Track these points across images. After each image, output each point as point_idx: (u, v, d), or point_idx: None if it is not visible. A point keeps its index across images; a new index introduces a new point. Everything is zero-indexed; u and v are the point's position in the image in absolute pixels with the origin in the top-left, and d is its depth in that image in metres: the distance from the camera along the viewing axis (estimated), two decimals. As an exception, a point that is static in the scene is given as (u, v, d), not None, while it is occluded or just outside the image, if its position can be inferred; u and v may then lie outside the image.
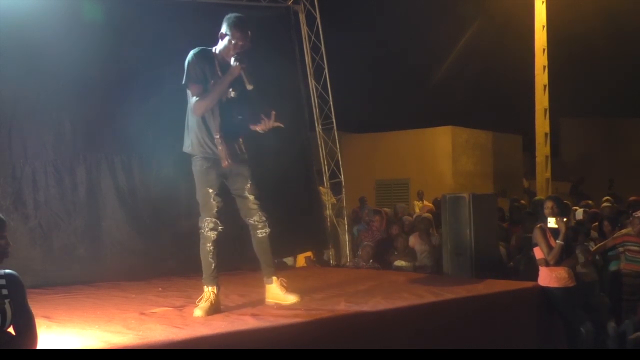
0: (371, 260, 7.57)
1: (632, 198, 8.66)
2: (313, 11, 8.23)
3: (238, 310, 4.48)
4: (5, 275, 2.88)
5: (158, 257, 6.62)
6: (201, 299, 4.42)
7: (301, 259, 8.52)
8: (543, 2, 13.56)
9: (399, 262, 7.68)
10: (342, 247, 8.59)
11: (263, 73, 5.41)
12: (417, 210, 12.43)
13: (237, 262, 7.23)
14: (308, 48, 8.35)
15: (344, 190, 8.62)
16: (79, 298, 5.22)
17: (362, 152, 16.91)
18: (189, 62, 4.43)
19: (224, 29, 4.47)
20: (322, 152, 8.52)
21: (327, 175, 8.55)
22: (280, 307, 4.55)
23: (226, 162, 4.40)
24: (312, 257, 8.41)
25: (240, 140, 4.63)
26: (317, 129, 8.46)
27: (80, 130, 6.45)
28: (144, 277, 6.20)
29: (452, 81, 21.53)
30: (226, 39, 4.44)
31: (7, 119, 6.05)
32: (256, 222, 4.60)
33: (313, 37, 8.31)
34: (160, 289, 5.66)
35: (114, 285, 5.80)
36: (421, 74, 22.32)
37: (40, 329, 3.06)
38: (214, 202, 4.45)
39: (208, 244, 4.46)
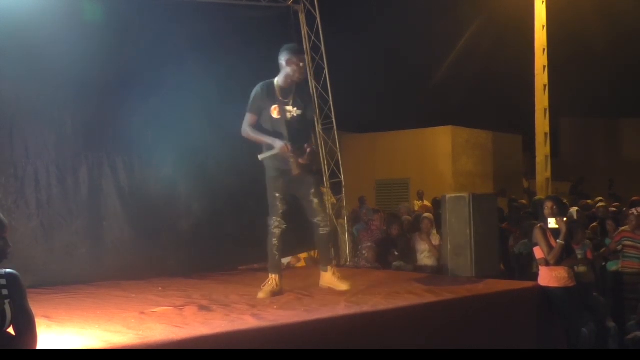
0: (371, 260, 7.56)
1: (634, 198, 8.66)
2: (313, 11, 8.22)
3: (238, 310, 4.48)
4: (6, 275, 2.86)
5: (158, 257, 6.63)
6: (265, 284, 5.18)
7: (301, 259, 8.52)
8: (543, 2, 13.56)
9: (399, 262, 7.68)
10: (342, 247, 8.59)
11: (263, 73, 5.45)
12: (416, 210, 12.40)
13: (237, 262, 7.26)
14: (308, 48, 8.34)
15: (344, 190, 8.61)
16: (79, 298, 5.22)
17: (362, 152, 16.91)
18: (252, 95, 5.19)
19: (281, 59, 5.16)
20: (322, 152, 8.51)
21: (327, 175, 8.54)
22: (331, 292, 5.21)
23: (297, 171, 5.04)
24: (305, 257, 8.41)
25: (307, 151, 5.11)
26: (317, 129, 8.45)
27: (82, 130, 6.46)
28: (144, 277, 6.21)
29: (452, 81, 21.52)
30: (285, 69, 5.15)
31: (9, 119, 6.05)
32: (319, 222, 5.29)
33: (313, 37, 8.30)
34: (160, 288, 5.66)
35: (114, 285, 5.81)
36: (421, 74, 22.31)
37: (40, 329, 3.06)
38: (279, 204, 5.15)
39: (274, 239, 5.17)
